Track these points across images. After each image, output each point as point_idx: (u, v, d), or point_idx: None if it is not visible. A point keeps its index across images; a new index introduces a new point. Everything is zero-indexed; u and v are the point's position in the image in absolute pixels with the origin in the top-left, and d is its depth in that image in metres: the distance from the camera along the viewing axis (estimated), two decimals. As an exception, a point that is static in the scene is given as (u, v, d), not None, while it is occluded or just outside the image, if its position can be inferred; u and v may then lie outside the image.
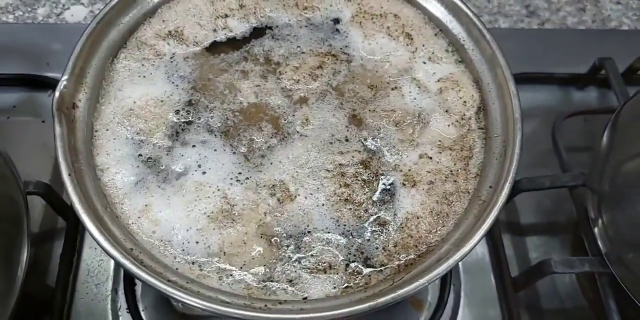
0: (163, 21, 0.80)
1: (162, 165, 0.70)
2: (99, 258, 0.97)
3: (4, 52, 1.18)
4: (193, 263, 0.65)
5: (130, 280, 0.93)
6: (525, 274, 0.94)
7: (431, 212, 0.69)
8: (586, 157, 1.04)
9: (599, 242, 0.90)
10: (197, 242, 0.66)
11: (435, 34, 0.82)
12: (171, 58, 0.78)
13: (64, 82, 0.69)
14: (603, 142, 0.93)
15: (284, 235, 0.67)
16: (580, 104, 1.20)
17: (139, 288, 0.94)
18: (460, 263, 0.98)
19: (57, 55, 1.17)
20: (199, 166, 0.70)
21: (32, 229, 1.00)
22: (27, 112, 1.13)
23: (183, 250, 0.65)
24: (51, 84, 1.11)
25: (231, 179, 0.69)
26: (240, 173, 0.70)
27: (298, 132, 0.74)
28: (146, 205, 0.67)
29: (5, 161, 0.84)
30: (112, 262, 0.96)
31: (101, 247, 0.59)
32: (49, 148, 1.06)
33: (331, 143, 0.73)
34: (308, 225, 0.68)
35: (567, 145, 1.08)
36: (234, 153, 0.71)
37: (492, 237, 1.00)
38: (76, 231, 0.96)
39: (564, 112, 1.11)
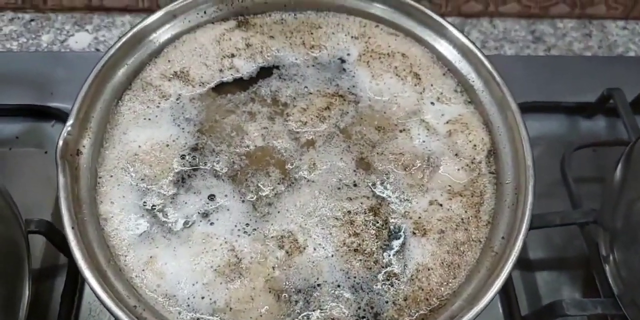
0: (169, 61, 0.79)
1: (167, 214, 0.69)
2: (101, 297, 0.95)
3: (8, 82, 1.16)
4: (198, 319, 0.63)
5: None
6: (536, 314, 0.92)
7: (442, 263, 0.67)
8: (596, 189, 1.01)
9: (611, 283, 0.88)
10: (202, 298, 0.64)
11: (444, 74, 0.81)
12: (177, 99, 0.77)
13: (69, 128, 0.68)
14: (615, 177, 0.91)
15: (293, 290, 0.66)
16: (588, 133, 1.18)
17: (142, 327, 0.92)
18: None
19: (61, 84, 1.15)
20: (206, 215, 0.69)
21: (34, 266, 0.98)
22: (29, 143, 1.11)
23: (188, 305, 0.64)
24: (55, 115, 1.10)
25: (239, 230, 0.68)
26: (247, 224, 0.69)
27: (305, 177, 0.72)
28: (151, 257, 0.66)
29: (6, 201, 0.83)
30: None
31: (104, 305, 0.58)
32: (51, 180, 1.03)
33: (339, 188, 0.72)
34: (318, 278, 0.66)
35: (575, 176, 1.06)
36: (243, 201, 0.70)
37: (502, 275, 0.98)
38: (78, 269, 0.95)
39: (573, 144, 1.09)
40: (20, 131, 1.13)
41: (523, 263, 1.03)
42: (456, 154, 0.74)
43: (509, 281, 0.96)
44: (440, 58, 0.81)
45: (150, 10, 1.21)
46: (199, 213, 0.69)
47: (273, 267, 0.67)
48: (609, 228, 0.90)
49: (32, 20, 1.31)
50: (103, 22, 1.28)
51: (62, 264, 0.99)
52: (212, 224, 0.68)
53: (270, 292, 0.65)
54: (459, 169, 0.74)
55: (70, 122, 0.68)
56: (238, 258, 0.66)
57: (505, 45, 1.38)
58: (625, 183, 0.89)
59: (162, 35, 0.79)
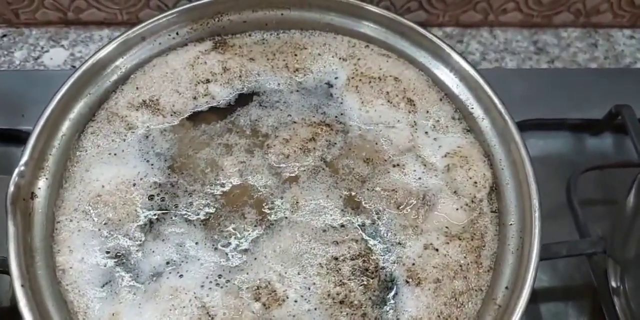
0: (137, 89, 0.72)
1: (133, 265, 0.62)
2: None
3: (-25, 103, 1.10)
4: None
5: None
6: (543, 354, 0.86)
7: (439, 316, 0.61)
8: (603, 212, 0.97)
9: (621, 317, 0.83)
10: (170, 365, 0.58)
11: (440, 99, 0.74)
12: (146, 131, 0.70)
13: (22, 168, 0.61)
14: (628, 205, 0.86)
15: (272, 349, 0.59)
16: (595, 152, 1.12)
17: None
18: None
19: (34, 105, 1.07)
20: (176, 266, 0.62)
21: (2, 303, 0.93)
22: (-1, 169, 1.05)
23: (154, 374, 0.57)
24: (26, 139, 1.04)
25: (210, 282, 0.62)
26: (220, 275, 0.62)
27: (286, 217, 0.66)
28: (113, 314, 0.60)
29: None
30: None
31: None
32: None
33: (324, 231, 0.65)
34: (299, 335, 0.60)
35: (581, 199, 1.00)
36: (215, 249, 0.63)
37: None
38: None
39: (579, 164, 1.03)
40: (-13, 157, 1.07)
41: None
42: (455, 192, 0.68)
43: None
44: (436, 82, 0.74)
45: (129, 24, 1.15)
46: (167, 263, 0.62)
47: (249, 323, 0.60)
48: (619, 259, 0.85)
49: (4, 35, 1.25)
50: (80, 37, 1.22)
51: (31, 302, 0.93)
52: (181, 276, 0.62)
53: (247, 353, 0.59)
54: (457, 209, 0.67)
55: (23, 161, 0.62)
56: (210, 315, 0.60)
57: (507, 56, 1.32)
58: (638, 211, 0.84)
59: (129, 60, 0.73)
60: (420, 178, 0.69)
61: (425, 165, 0.70)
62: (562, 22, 1.30)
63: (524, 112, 0.96)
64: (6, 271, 0.83)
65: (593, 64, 1.31)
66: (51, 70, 1.18)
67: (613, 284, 0.85)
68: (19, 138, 1.05)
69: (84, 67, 0.68)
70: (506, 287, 0.61)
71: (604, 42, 1.33)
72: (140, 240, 0.63)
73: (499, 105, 0.68)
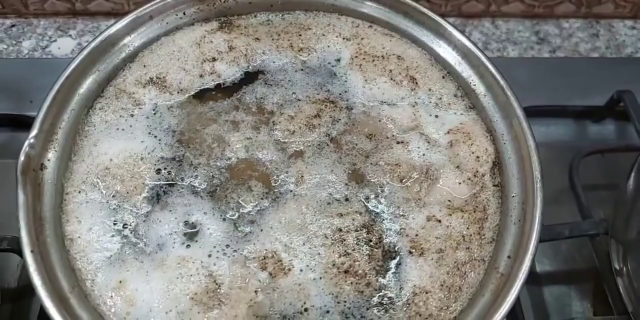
0: (144, 66, 0.73)
1: (140, 235, 0.63)
2: (79, 317, 0.90)
3: (-15, 90, 1.11)
4: (171, 352, 0.57)
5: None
6: (546, 334, 0.86)
7: (442, 285, 0.62)
8: (605, 196, 0.97)
9: (625, 299, 0.83)
10: (176, 328, 0.58)
11: (443, 77, 0.75)
12: (153, 108, 0.71)
13: (31, 141, 0.62)
14: (629, 186, 0.86)
15: (278, 316, 0.60)
16: (597, 138, 1.13)
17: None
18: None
19: (42, 92, 1.09)
20: (183, 236, 0.63)
21: (9, 284, 0.94)
22: (7, 155, 1.06)
23: (160, 336, 0.58)
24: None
25: (217, 252, 0.62)
26: (227, 246, 0.63)
27: (292, 191, 0.66)
28: (120, 282, 0.60)
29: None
30: None
31: (65, 339, 0.52)
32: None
33: (329, 203, 0.66)
34: (305, 303, 0.61)
35: (584, 183, 1.01)
36: (224, 220, 0.64)
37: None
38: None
39: (581, 149, 1.04)
40: (-3, 141, 1.09)
41: (530, 277, 0.97)
42: (457, 167, 0.69)
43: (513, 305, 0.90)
44: (438, 60, 0.75)
45: (136, 14, 1.16)
46: (174, 234, 0.63)
47: (256, 291, 0.61)
48: (621, 240, 0.85)
49: (13, 25, 1.26)
50: (87, 27, 1.23)
51: (39, 283, 0.94)
52: (188, 246, 0.62)
53: (254, 318, 0.59)
54: (460, 183, 0.68)
55: (33, 133, 0.63)
56: (217, 284, 0.61)
57: (508, 46, 1.32)
58: (639, 192, 0.84)
59: (137, 38, 0.74)
60: (423, 154, 0.69)
61: (428, 142, 0.70)
62: (563, 12, 1.31)
63: (526, 100, 0.96)
64: (14, 250, 0.85)
65: (594, 54, 1.31)
66: (59, 58, 1.19)
67: (616, 265, 0.85)
68: (27, 123, 1.06)
69: (92, 44, 0.70)
70: (508, 257, 0.61)
71: (605, 33, 1.34)
72: (148, 212, 0.64)
73: (501, 81, 0.69)
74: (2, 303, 0.75)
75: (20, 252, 0.85)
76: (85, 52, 0.69)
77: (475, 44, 0.72)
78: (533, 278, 0.98)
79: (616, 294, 0.85)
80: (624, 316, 0.82)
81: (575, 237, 0.91)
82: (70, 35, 1.25)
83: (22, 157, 0.61)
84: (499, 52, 1.30)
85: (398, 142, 0.70)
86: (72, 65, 0.68)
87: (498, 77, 0.69)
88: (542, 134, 1.12)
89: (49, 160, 0.65)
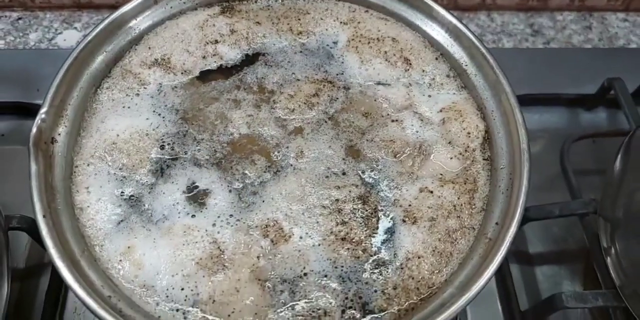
0: (149, 48, 0.76)
1: (146, 205, 0.66)
2: (86, 295, 0.92)
3: (-6, 79, 1.14)
4: (177, 310, 0.60)
5: (119, 318, 0.89)
6: (536, 308, 0.89)
7: (434, 251, 0.64)
8: (596, 181, 0.99)
9: (613, 274, 0.85)
10: (182, 289, 0.61)
11: (436, 58, 0.78)
12: (158, 87, 0.74)
13: (42, 116, 0.66)
14: (615, 168, 0.88)
15: (279, 279, 0.63)
16: (588, 125, 1.15)
17: (128, 326, 0.89)
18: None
19: (48, 81, 1.13)
20: (188, 206, 0.66)
21: (18, 264, 0.96)
22: (15, 141, 1.09)
23: (167, 296, 0.61)
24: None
25: (221, 221, 0.65)
26: (231, 215, 0.66)
27: (292, 165, 0.69)
28: (129, 247, 0.63)
29: (-14, 196, 0.80)
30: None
31: (76, 295, 0.55)
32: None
33: (327, 177, 0.69)
34: (304, 268, 0.63)
35: (576, 168, 1.03)
36: (230, 191, 0.67)
37: (500, 268, 0.95)
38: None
39: (573, 135, 1.07)
40: (5, 129, 1.12)
41: (522, 257, 1.00)
42: (449, 142, 0.72)
43: (507, 276, 0.93)
44: (432, 42, 0.79)
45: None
46: (179, 204, 0.66)
47: (258, 257, 0.64)
48: (609, 219, 0.87)
49: (19, 18, 1.29)
50: (92, 20, 1.26)
51: (47, 262, 0.97)
52: (193, 216, 0.65)
53: (256, 282, 0.62)
54: (451, 158, 0.71)
55: (44, 109, 0.66)
56: (221, 250, 0.64)
57: (504, 38, 1.35)
58: (626, 173, 0.87)
59: (142, 21, 0.77)
60: (417, 131, 0.72)
61: (422, 120, 0.73)
62: (557, 5, 1.34)
63: (520, 88, 0.99)
64: (23, 228, 0.88)
65: (587, 46, 1.34)
66: (64, 49, 1.22)
67: (604, 244, 0.87)
68: (34, 111, 1.09)
69: (100, 26, 0.73)
70: (496, 223, 0.64)
71: (598, 25, 1.37)
72: (153, 183, 0.67)
73: (491, 60, 0.72)
74: (11, 282, 0.77)
75: (29, 230, 0.88)
76: (93, 34, 0.72)
77: (466, 26, 0.75)
78: (525, 258, 1.01)
79: (605, 271, 0.87)
80: (612, 291, 0.84)
81: (565, 216, 0.93)
82: (75, 28, 1.28)
83: (34, 130, 0.64)
84: (494, 44, 1.33)
85: (393, 121, 0.73)
86: (81, 46, 0.71)
87: (488, 56, 0.72)
88: (535, 121, 1.15)
89: (59, 134, 0.68)
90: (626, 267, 0.83)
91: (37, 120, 0.64)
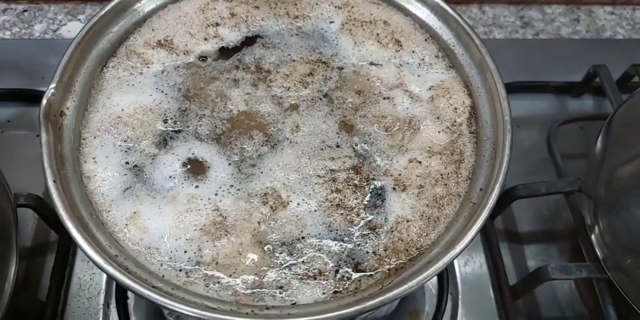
0: (152, 30, 0.80)
1: (150, 175, 0.70)
2: (91, 272, 0.96)
3: (0, 68, 1.18)
4: (180, 270, 0.64)
5: (122, 293, 0.92)
6: (523, 281, 0.93)
7: (422, 215, 0.68)
8: (582, 164, 1.03)
9: (596, 249, 0.89)
10: (185, 251, 0.65)
11: (426, 40, 0.82)
12: (161, 67, 0.78)
13: (52, 90, 0.69)
14: (597, 147, 0.92)
15: (278, 242, 0.66)
16: (575, 111, 1.20)
17: (131, 302, 0.93)
18: (457, 272, 0.97)
19: (53, 69, 1.17)
20: (190, 177, 0.70)
21: (24, 242, 1.00)
22: (21, 127, 1.13)
23: (171, 258, 0.64)
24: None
25: (223, 191, 0.69)
26: (232, 186, 0.69)
27: (288, 139, 0.73)
28: (135, 213, 0.67)
29: (-6, 176, 0.84)
30: (104, 276, 0.96)
31: (84, 252, 0.59)
32: (43, 162, 1.05)
33: (322, 149, 0.73)
34: (302, 231, 0.67)
35: (563, 152, 1.07)
36: (229, 164, 0.71)
37: (490, 246, 0.99)
38: (68, 244, 0.96)
39: (559, 119, 1.11)
40: (12, 115, 1.16)
41: (511, 236, 1.04)
42: (438, 118, 0.75)
43: (497, 254, 0.97)
44: (421, 25, 0.82)
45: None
46: (182, 174, 0.70)
47: (258, 222, 0.67)
48: (592, 196, 0.91)
49: (25, 10, 1.33)
50: (95, 12, 1.29)
51: (52, 241, 1.00)
52: (197, 187, 0.69)
53: (257, 245, 0.66)
54: (439, 132, 0.74)
55: (53, 84, 0.69)
56: (223, 217, 0.67)
57: (495, 30, 1.39)
58: (607, 152, 0.91)
59: (146, 4, 0.81)
60: (407, 108, 0.76)
61: (411, 97, 0.77)
62: (546, -2, 1.38)
63: (510, 76, 1.03)
64: (30, 205, 0.91)
65: (575, 37, 1.38)
66: (68, 39, 1.25)
67: (588, 221, 0.91)
68: (39, 98, 1.13)
69: (107, 8, 0.76)
70: (480, 189, 0.67)
71: (585, 18, 1.41)
72: (156, 154, 0.71)
73: (476, 40, 0.76)
74: (19, 260, 0.80)
75: (36, 208, 0.91)
76: (100, 15, 0.76)
77: (453, 9, 0.79)
78: (514, 237, 1.05)
79: (589, 246, 0.90)
80: (596, 263, 0.88)
81: (551, 193, 0.97)
82: (79, 20, 1.32)
83: (44, 102, 0.67)
84: (486, 36, 1.37)
85: (384, 98, 0.77)
86: (88, 26, 0.74)
87: (473, 36, 0.76)
88: (524, 108, 1.19)
89: (67, 108, 0.71)
90: (609, 241, 0.87)
91: (47, 93, 0.68)
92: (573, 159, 1.10)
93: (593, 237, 0.90)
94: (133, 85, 0.76)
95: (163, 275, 0.63)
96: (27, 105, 1.15)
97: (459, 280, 0.97)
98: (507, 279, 0.95)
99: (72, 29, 1.31)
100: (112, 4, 0.77)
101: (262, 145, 0.73)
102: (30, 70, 1.19)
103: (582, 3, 1.43)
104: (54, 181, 0.63)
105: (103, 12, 0.76)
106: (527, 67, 1.24)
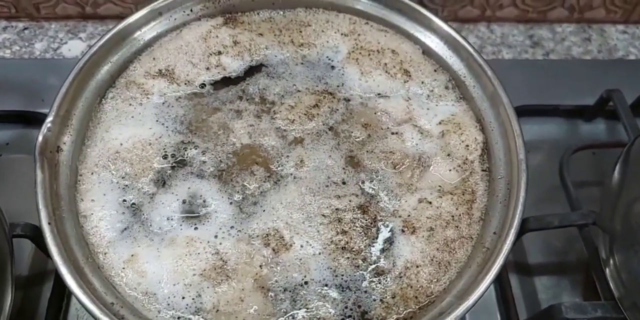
0: (153, 59, 0.77)
1: (149, 215, 0.67)
2: (89, 303, 0.93)
3: (-1, 88, 1.16)
4: (178, 318, 0.61)
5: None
6: (534, 319, 0.89)
7: (432, 260, 0.65)
8: (596, 193, 0.99)
9: (612, 285, 0.85)
10: (183, 298, 0.62)
11: (435, 70, 0.79)
12: (162, 98, 0.75)
13: (49, 125, 0.67)
14: (614, 179, 0.89)
15: (280, 288, 0.64)
16: (587, 136, 1.16)
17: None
18: (465, 307, 0.94)
19: (53, 91, 1.13)
20: (189, 218, 0.67)
21: (21, 271, 0.97)
22: (20, 150, 1.10)
23: (168, 304, 0.62)
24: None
25: (223, 232, 0.66)
26: (232, 227, 0.67)
27: (292, 174, 0.70)
28: (132, 256, 0.64)
29: (-11, 205, 0.81)
30: (102, 307, 0.93)
31: (79, 302, 0.56)
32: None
33: (327, 186, 0.70)
34: (305, 276, 0.64)
35: (575, 180, 1.04)
36: (230, 203, 0.68)
37: (500, 278, 0.96)
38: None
39: (571, 146, 1.07)
40: (10, 137, 1.13)
41: (522, 268, 1.00)
42: (448, 155, 0.73)
43: (507, 287, 0.93)
44: (431, 54, 0.80)
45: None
46: (180, 215, 0.67)
47: (260, 266, 0.65)
48: (608, 230, 0.87)
49: (25, 28, 1.31)
50: (97, 30, 1.27)
51: (50, 270, 0.97)
52: (196, 228, 0.66)
53: (259, 290, 0.63)
54: (450, 170, 0.72)
55: (50, 118, 0.67)
56: (223, 261, 0.65)
57: (503, 50, 1.36)
58: (624, 184, 0.87)
59: (147, 33, 0.78)
60: (416, 144, 0.73)
61: (421, 133, 0.74)
62: (556, 17, 1.35)
63: (519, 99, 1.00)
64: (27, 235, 0.88)
65: (587, 57, 1.35)
66: (69, 59, 1.23)
67: (603, 255, 0.87)
68: (39, 120, 1.10)
69: (105, 37, 0.74)
70: (494, 233, 0.65)
71: (597, 37, 1.38)
72: (155, 193, 0.68)
73: (489, 72, 0.73)
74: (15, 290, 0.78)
75: (33, 238, 0.88)
76: (98, 45, 0.73)
77: (464, 38, 0.76)
78: (525, 269, 1.01)
79: (604, 283, 0.87)
80: (611, 302, 0.84)
81: (564, 226, 0.93)
82: (80, 38, 1.29)
83: (39, 139, 0.65)
84: (494, 55, 1.34)
85: (393, 133, 0.74)
86: (86, 57, 0.72)
87: (486, 67, 0.73)
88: (534, 132, 1.16)
89: (64, 143, 0.69)
90: (625, 279, 0.83)
91: (43, 129, 0.65)
92: (585, 187, 1.06)
93: (608, 272, 0.86)
94: (132, 117, 0.74)
95: (160, 324, 0.61)
96: (26, 128, 1.12)
97: (467, 315, 0.94)
98: (518, 313, 0.91)
99: (73, 47, 1.28)
100: (111, 32, 0.75)
101: (264, 181, 0.70)
102: (29, 91, 1.16)
103: (593, 21, 1.40)
104: (49, 223, 0.60)
105: (102, 41, 0.74)
106: (536, 90, 1.20)
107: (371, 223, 0.68)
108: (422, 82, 0.78)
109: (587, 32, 1.39)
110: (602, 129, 1.19)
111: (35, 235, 0.89)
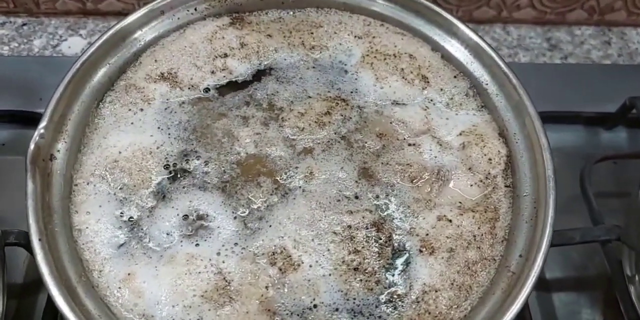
0: (155, 61, 0.73)
1: (147, 230, 0.63)
2: (84, 314, 0.89)
3: (-4, 87, 1.12)
4: (178, 344, 0.57)
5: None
6: (554, 339, 0.85)
7: (452, 284, 0.61)
8: (618, 204, 0.96)
9: (637, 304, 0.82)
10: (183, 320, 0.58)
11: (455, 76, 0.75)
12: (163, 103, 0.71)
13: (41, 131, 0.63)
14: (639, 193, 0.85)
15: (287, 312, 0.60)
16: (608, 145, 1.12)
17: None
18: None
19: (51, 90, 1.10)
20: (190, 234, 0.63)
21: (15, 279, 0.94)
22: (16, 151, 1.07)
23: (168, 328, 0.58)
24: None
25: (226, 249, 0.62)
26: (236, 244, 0.62)
27: (301, 187, 0.66)
28: (129, 274, 0.60)
29: (-18, 211, 0.78)
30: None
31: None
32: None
33: (338, 200, 0.65)
34: (314, 299, 0.60)
35: (596, 191, 1.00)
36: (235, 218, 0.64)
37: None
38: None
39: (593, 156, 1.03)
40: (6, 138, 1.09)
41: (540, 283, 0.95)
42: (469, 169, 0.68)
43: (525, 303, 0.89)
44: (450, 59, 0.75)
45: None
46: (181, 231, 0.63)
47: (266, 287, 0.61)
48: (634, 246, 0.83)
49: (24, 24, 1.27)
50: (98, 27, 1.23)
51: (44, 279, 0.94)
52: (197, 245, 0.62)
53: (265, 313, 0.59)
54: (471, 185, 0.67)
55: (43, 124, 0.63)
56: (226, 281, 0.60)
57: (520, 52, 1.32)
58: (652, 198, 0.83)
59: (148, 33, 0.74)
60: (435, 156, 0.69)
61: (440, 144, 0.70)
62: (575, 19, 1.30)
63: (537, 105, 0.96)
64: (21, 243, 0.85)
65: (606, 61, 1.31)
66: (69, 57, 1.19)
67: (628, 272, 0.84)
68: (36, 120, 1.06)
69: (104, 37, 0.70)
70: (520, 255, 0.61)
71: (617, 40, 1.33)
72: (154, 207, 0.64)
73: (514, 80, 0.69)
74: (8, 299, 0.74)
75: (27, 246, 0.85)
76: (96, 45, 0.69)
77: (488, 43, 0.72)
78: (543, 285, 0.97)
79: (628, 301, 0.83)
80: (635, 322, 0.81)
81: (587, 242, 0.89)
82: (80, 35, 1.26)
83: (32, 146, 0.61)
84: (510, 58, 1.30)
85: (409, 144, 0.70)
86: (83, 58, 0.68)
87: (510, 75, 0.69)
88: (553, 140, 1.10)
89: (58, 151, 0.65)
90: (652, 299, 0.80)
91: (35, 136, 0.61)
92: (607, 198, 1.02)
93: (633, 291, 0.83)
94: (132, 123, 0.69)
95: (157, 351, 0.56)
96: (23, 128, 1.09)
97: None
98: (535, 331, 0.87)
99: (73, 44, 1.24)
100: (109, 32, 0.70)
101: (271, 194, 0.66)
102: (27, 90, 1.13)
103: (613, 24, 1.36)
104: (40, 239, 0.56)
105: (100, 41, 0.69)
106: (555, 95, 1.16)
107: (386, 242, 0.63)
108: (441, 89, 0.73)
109: (607, 35, 1.35)
110: (624, 137, 1.15)
111: (29, 243, 0.85)
